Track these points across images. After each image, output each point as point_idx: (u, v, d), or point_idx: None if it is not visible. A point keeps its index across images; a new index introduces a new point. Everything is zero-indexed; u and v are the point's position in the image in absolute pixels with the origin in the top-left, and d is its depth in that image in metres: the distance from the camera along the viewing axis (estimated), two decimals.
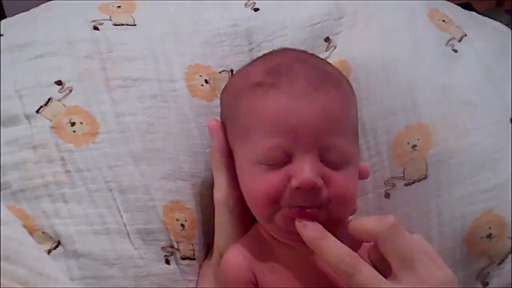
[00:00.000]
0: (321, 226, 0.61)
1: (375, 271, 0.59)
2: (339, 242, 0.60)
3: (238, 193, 0.68)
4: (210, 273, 0.72)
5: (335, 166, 0.63)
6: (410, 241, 0.60)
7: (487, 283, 0.77)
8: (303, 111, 0.62)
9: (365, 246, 0.64)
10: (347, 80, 0.71)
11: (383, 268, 0.60)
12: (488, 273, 0.77)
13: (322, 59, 0.73)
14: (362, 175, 0.71)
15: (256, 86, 0.65)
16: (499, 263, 0.77)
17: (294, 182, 0.61)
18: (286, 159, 0.62)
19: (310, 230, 0.61)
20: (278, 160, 0.62)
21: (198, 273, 0.73)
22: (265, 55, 0.73)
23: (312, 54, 0.73)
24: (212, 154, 0.70)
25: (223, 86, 0.74)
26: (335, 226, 0.63)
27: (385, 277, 0.59)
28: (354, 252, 0.59)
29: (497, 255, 0.77)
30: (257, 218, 0.67)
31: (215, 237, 0.71)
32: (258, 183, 0.63)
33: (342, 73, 0.71)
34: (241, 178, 0.67)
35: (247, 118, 0.65)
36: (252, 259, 0.66)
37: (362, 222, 0.62)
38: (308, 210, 0.61)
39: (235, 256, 0.66)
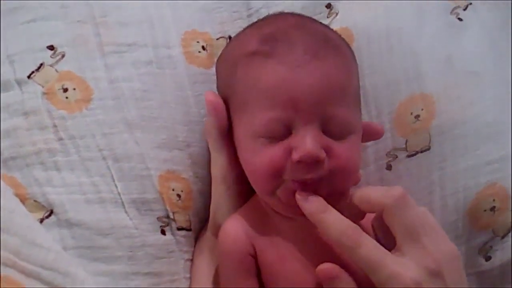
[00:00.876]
0: (322, 200, 0.60)
1: (378, 244, 0.58)
2: (341, 215, 0.59)
3: (236, 170, 0.66)
4: (206, 247, 0.70)
5: (337, 136, 0.61)
6: (416, 213, 0.59)
7: (490, 257, 0.75)
8: (302, 81, 0.60)
9: (368, 216, 0.62)
10: (349, 46, 0.68)
11: (387, 240, 0.59)
12: (491, 247, 0.75)
13: (321, 23, 0.70)
14: (376, 135, 0.69)
15: (252, 55, 0.63)
16: (502, 237, 0.75)
17: (295, 155, 0.59)
18: (287, 131, 0.60)
19: (311, 204, 0.59)
20: (278, 133, 0.60)
21: (195, 245, 0.72)
22: (261, 20, 0.70)
23: (311, 18, 0.70)
24: (209, 131, 0.67)
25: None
26: (338, 198, 0.61)
27: (389, 249, 0.58)
28: (356, 225, 0.58)
29: (501, 229, 0.75)
30: (258, 192, 0.65)
31: (212, 212, 0.70)
32: (259, 158, 0.61)
33: (343, 38, 0.68)
34: (241, 153, 0.65)
35: (245, 90, 0.63)
36: (251, 230, 0.64)
37: (368, 192, 0.60)
38: (309, 183, 0.59)
39: (234, 227, 0.65)
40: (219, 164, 0.67)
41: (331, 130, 0.61)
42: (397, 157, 0.74)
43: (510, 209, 0.75)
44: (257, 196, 0.67)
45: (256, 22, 0.70)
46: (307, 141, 0.59)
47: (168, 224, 0.69)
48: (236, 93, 0.64)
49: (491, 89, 0.77)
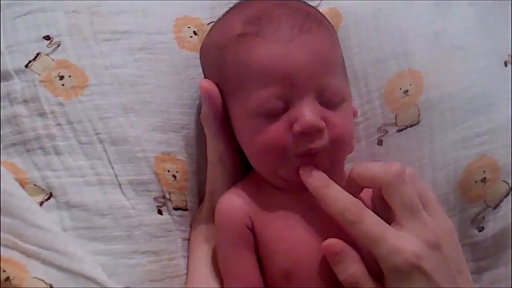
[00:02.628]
0: (325, 175, 0.60)
1: (379, 218, 0.59)
2: (343, 190, 0.60)
3: (232, 153, 0.66)
4: (202, 226, 0.70)
5: (332, 106, 0.62)
6: (415, 189, 0.59)
7: (483, 228, 0.75)
8: (293, 55, 0.60)
9: (366, 190, 0.63)
10: (326, 19, 0.69)
11: (386, 214, 0.60)
12: (483, 217, 0.75)
13: (299, 0, 0.70)
14: None
15: (240, 37, 0.63)
16: (494, 208, 0.75)
17: (297, 127, 0.59)
18: (284, 106, 0.61)
19: (315, 179, 0.60)
20: (276, 109, 0.61)
21: (191, 225, 0.72)
22: (239, 4, 0.70)
23: None
24: (205, 117, 0.67)
25: None
26: (336, 167, 0.62)
27: (389, 223, 0.59)
28: (358, 200, 0.59)
29: (492, 200, 0.75)
30: (260, 171, 0.65)
31: (208, 194, 0.70)
32: (261, 136, 0.61)
33: (320, 12, 0.69)
34: (240, 134, 0.65)
35: (237, 71, 0.63)
36: (249, 204, 0.64)
37: (367, 169, 0.61)
38: (313, 153, 0.60)
39: (230, 200, 0.65)
40: (216, 148, 0.67)
41: (326, 100, 0.61)
42: (387, 132, 0.74)
43: (500, 179, 0.74)
44: (253, 172, 0.67)
45: (234, 6, 0.70)
46: (306, 113, 0.59)
47: (164, 204, 0.69)
48: (228, 76, 0.64)
49: (478, 63, 0.76)
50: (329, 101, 0.62)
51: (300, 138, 0.59)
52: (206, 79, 0.67)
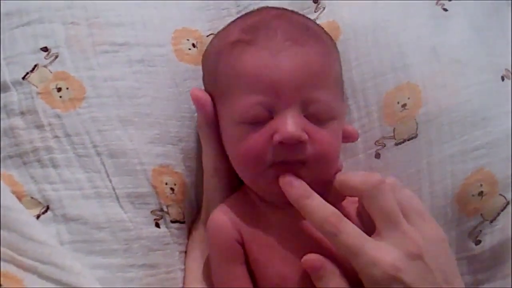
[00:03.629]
0: (306, 185, 0.60)
1: (359, 230, 0.58)
2: (323, 201, 0.59)
3: (227, 162, 0.65)
4: (198, 241, 0.70)
5: (318, 121, 0.61)
6: (398, 198, 0.59)
7: (480, 241, 0.74)
8: (281, 65, 0.60)
9: (353, 199, 0.62)
10: (329, 35, 0.68)
11: (371, 223, 0.59)
12: (481, 231, 0.74)
13: (302, 15, 0.70)
14: (351, 138, 0.69)
15: (233, 44, 0.63)
16: (491, 221, 0.74)
17: (277, 137, 0.58)
18: (268, 116, 0.60)
19: (295, 189, 0.59)
20: (259, 118, 0.60)
21: (188, 237, 0.71)
22: (245, 14, 0.70)
23: (293, 11, 0.69)
24: (199, 126, 0.67)
25: None
26: (319, 183, 0.61)
27: (372, 232, 0.58)
28: (338, 212, 0.58)
29: (489, 213, 0.74)
30: (243, 179, 0.64)
31: (204, 204, 0.69)
32: (243, 144, 0.60)
33: (323, 28, 0.68)
34: (225, 141, 0.64)
35: (226, 77, 0.63)
36: (238, 219, 0.64)
37: (347, 178, 0.61)
38: (291, 164, 0.59)
39: (220, 215, 0.64)
40: (210, 157, 0.67)
41: (313, 114, 0.60)
42: (385, 145, 0.74)
43: (498, 193, 0.74)
44: (245, 186, 0.66)
45: (239, 16, 0.70)
46: (288, 123, 0.58)
47: (162, 217, 0.68)
48: (218, 83, 0.64)
49: (476, 77, 0.75)
50: (316, 115, 0.61)
51: (279, 148, 0.59)
52: (198, 88, 0.67)
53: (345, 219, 0.58)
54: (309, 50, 0.61)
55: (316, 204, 0.58)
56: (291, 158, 0.59)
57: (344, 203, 0.63)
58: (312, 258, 0.58)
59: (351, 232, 0.57)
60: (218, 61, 0.64)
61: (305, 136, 0.59)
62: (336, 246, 0.58)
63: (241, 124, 0.61)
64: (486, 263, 0.75)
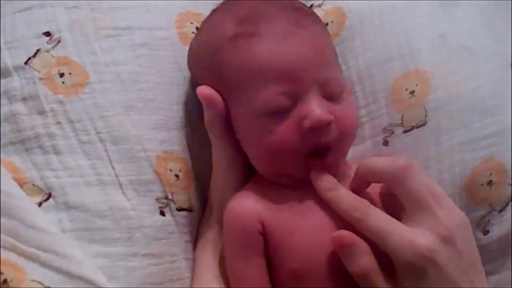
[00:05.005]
0: (333, 178, 0.60)
1: (387, 214, 0.57)
2: (350, 192, 0.59)
3: (241, 156, 0.64)
4: (212, 237, 0.67)
5: (334, 98, 0.61)
6: (424, 182, 0.58)
7: (488, 231, 0.72)
8: (293, 51, 0.59)
9: (373, 187, 0.61)
10: (315, 13, 0.68)
11: (396, 211, 0.58)
12: (489, 221, 0.72)
13: None
14: None
15: (235, 39, 0.61)
16: (500, 211, 0.72)
17: (307, 123, 0.58)
18: (290, 103, 0.59)
19: (324, 182, 0.59)
20: (283, 107, 0.59)
21: (198, 227, 0.69)
22: (223, 4, 0.67)
23: None
24: (211, 123, 0.64)
25: None
26: (342, 160, 0.62)
27: (398, 219, 0.57)
28: (365, 200, 0.58)
29: (498, 203, 0.71)
30: (267, 172, 0.63)
31: (215, 200, 0.67)
32: (270, 137, 0.59)
33: (305, 4, 0.68)
34: (244, 136, 0.62)
35: (237, 73, 0.61)
36: (259, 206, 0.61)
37: (374, 163, 0.60)
38: (323, 147, 0.60)
39: (241, 204, 0.62)
40: (225, 151, 0.65)
41: (329, 93, 0.60)
42: (393, 132, 0.71)
43: (507, 182, 0.71)
44: (257, 175, 0.64)
45: (218, 8, 0.67)
46: (314, 107, 0.58)
47: (167, 205, 0.66)
48: (227, 80, 0.61)
49: (486, 64, 0.73)
50: (332, 94, 0.60)
51: (309, 134, 0.58)
52: (205, 86, 0.63)
53: (372, 205, 0.58)
54: (312, 31, 0.61)
55: (344, 194, 0.59)
56: (323, 141, 0.59)
57: (368, 191, 0.62)
58: (343, 234, 0.57)
59: (381, 216, 0.57)
60: (220, 58, 0.62)
61: (331, 117, 0.59)
62: (365, 230, 0.57)
63: (263, 117, 0.59)
64: (493, 253, 0.73)
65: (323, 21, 0.69)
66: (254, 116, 0.60)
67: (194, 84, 0.68)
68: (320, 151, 0.60)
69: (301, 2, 0.67)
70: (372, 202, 0.59)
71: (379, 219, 0.56)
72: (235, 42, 0.60)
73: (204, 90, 0.63)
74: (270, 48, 0.59)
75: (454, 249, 0.56)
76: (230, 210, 0.62)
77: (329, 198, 0.59)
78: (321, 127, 0.58)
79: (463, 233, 0.58)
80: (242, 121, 0.61)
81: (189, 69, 0.69)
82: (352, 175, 0.62)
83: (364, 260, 0.56)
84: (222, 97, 0.62)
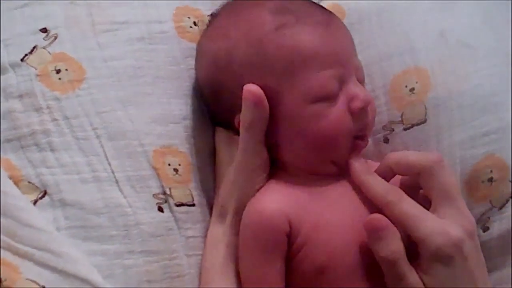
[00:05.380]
0: (367, 165, 0.62)
1: (418, 204, 0.58)
2: (382, 179, 0.60)
3: (269, 157, 0.63)
4: (224, 244, 0.65)
5: (361, 84, 0.64)
6: (451, 177, 0.60)
7: (488, 228, 0.72)
8: (337, 37, 0.62)
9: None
10: None
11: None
12: (489, 218, 0.71)
13: None
14: None
15: (279, 29, 0.61)
16: (500, 208, 0.71)
17: (358, 104, 0.60)
18: (339, 87, 0.61)
19: (361, 165, 0.61)
20: (334, 91, 0.60)
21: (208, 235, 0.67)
22: (240, 4, 0.66)
23: None
24: (253, 125, 0.61)
25: None
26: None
27: None
28: (397, 187, 0.60)
29: (498, 200, 0.71)
30: (312, 162, 0.62)
31: (236, 202, 0.64)
32: (325, 120, 0.60)
33: None
34: (294, 124, 0.61)
35: (287, 61, 0.60)
36: (285, 204, 0.60)
37: (405, 155, 0.61)
38: (364, 140, 0.64)
39: (269, 205, 0.60)
40: (261, 154, 0.63)
41: (359, 78, 0.63)
42: (393, 130, 0.71)
43: (508, 179, 0.71)
44: (278, 172, 0.63)
45: (243, 6, 0.66)
46: (359, 90, 0.61)
47: (166, 201, 0.65)
48: (273, 70, 0.61)
49: (486, 61, 0.73)
50: (361, 79, 0.63)
51: (358, 115, 0.61)
52: (252, 84, 0.61)
53: (405, 193, 0.59)
54: (340, 21, 0.65)
55: (378, 179, 0.60)
56: (368, 121, 0.62)
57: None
58: (376, 217, 0.57)
59: (413, 203, 0.58)
60: (264, 50, 0.61)
61: (372, 98, 0.63)
62: (398, 214, 0.57)
63: (315, 102, 0.60)
64: (493, 250, 0.72)
65: None
66: (306, 101, 0.60)
67: (214, 90, 0.67)
68: (363, 132, 0.63)
69: None
70: None
71: (412, 205, 0.57)
72: (280, 32, 0.61)
73: (252, 88, 0.60)
74: (317, 35, 0.61)
75: (476, 244, 0.58)
76: (255, 210, 0.60)
77: (364, 181, 0.60)
78: (366, 108, 0.61)
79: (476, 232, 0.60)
80: (291, 110, 0.60)
81: (206, 76, 0.67)
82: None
83: (394, 245, 0.56)
84: (267, 91, 0.61)
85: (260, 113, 0.61)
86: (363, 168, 0.61)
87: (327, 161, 0.62)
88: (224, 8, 0.69)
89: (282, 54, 0.60)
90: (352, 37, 0.68)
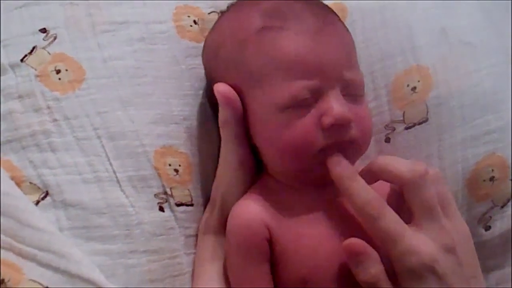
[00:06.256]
0: (353, 167, 0.59)
1: (399, 217, 0.57)
2: (367, 185, 0.58)
3: (251, 157, 0.64)
4: (212, 238, 0.67)
5: (354, 99, 0.61)
6: (437, 191, 0.58)
7: (490, 227, 0.73)
8: (322, 47, 0.59)
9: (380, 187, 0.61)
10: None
11: (402, 214, 0.58)
12: (491, 217, 0.72)
13: None
14: None
15: (263, 31, 0.61)
16: (502, 207, 0.72)
17: (327, 120, 0.57)
18: (313, 99, 0.59)
19: (343, 169, 0.58)
20: (305, 102, 0.59)
21: (196, 221, 0.69)
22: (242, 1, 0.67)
23: None
24: (226, 123, 0.63)
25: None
26: (355, 160, 0.62)
27: (404, 220, 0.57)
28: (380, 197, 0.58)
29: (500, 199, 0.72)
30: (283, 169, 0.62)
31: (220, 200, 0.66)
32: (290, 131, 0.59)
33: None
34: (261, 131, 0.61)
35: (262, 65, 0.60)
36: (265, 211, 0.61)
37: (390, 163, 0.59)
38: (342, 146, 0.59)
39: (247, 210, 0.61)
40: (237, 151, 0.64)
41: (351, 94, 0.60)
42: (395, 129, 0.72)
43: (509, 178, 0.72)
44: (265, 176, 0.64)
45: (240, 3, 0.67)
46: (336, 105, 0.58)
47: (166, 201, 0.66)
48: (249, 72, 0.61)
49: (488, 60, 0.74)
50: (354, 95, 0.60)
51: (329, 130, 0.58)
52: (222, 83, 0.63)
53: (387, 205, 0.57)
54: (339, 28, 0.62)
55: (361, 187, 0.57)
56: (342, 139, 0.58)
57: (375, 187, 0.61)
58: (355, 242, 0.57)
59: (393, 218, 0.56)
60: (245, 50, 0.61)
61: (352, 116, 0.58)
62: (375, 230, 0.57)
63: (284, 111, 0.59)
64: (495, 249, 0.73)
65: None
66: (275, 109, 0.59)
67: (209, 80, 0.69)
68: (338, 148, 0.59)
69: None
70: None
71: (390, 221, 0.56)
72: (262, 35, 0.60)
73: (221, 88, 0.62)
74: (298, 42, 0.59)
75: (456, 259, 0.57)
76: (236, 216, 0.62)
77: (346, 188, 0.58)
78: (340, 125, 0.58)
79: (466, 244, 0.59)
80: (260, 115, 0.61)
81: (204, 66, 0.69)
82: None
83: (374, 269, 0.56)
84: (241, 94, 0.62)
85: (231, 112, 0.62)
86: (346, 173, 0.58)
87: (297, 172, 0.61)
88: (233, 3, 0.69)
89: (259, 57, 0.60)
90: (355, 35, 0.68)
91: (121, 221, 0.63)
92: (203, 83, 0.71)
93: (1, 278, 0.55)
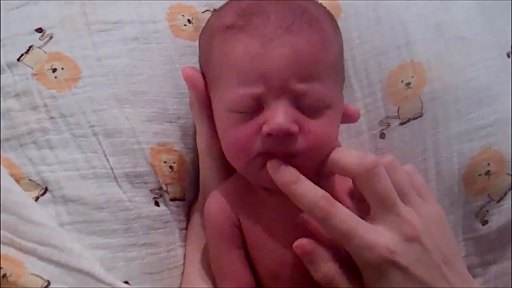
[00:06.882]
0: (294, 170, 0.58)
1: (351, 213, 0.57)
2: (313, 185, 0.58)
3: (219, 142, 0.65)
4: (198, 219, 0.70)
5: (312, 112, 0.59)
6: (392, 180, 0.58)
7: (487, 221, 0.74)
8: (271, 55, 0.58)
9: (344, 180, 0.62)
10: (332, 20, 0.66)
11: (365, 205, 0.59)
12: (487, 211, 0.74)
13: None
14: (351, 119, 0.67)
15: (227, 29, 0.61)
16: (498, 201, 0.74)
17: (265, 129, 0.57)
18: (258, 106, 0.59)
19: (283, 175, 0.58)
20: (250, 109, 0.59)
21: (188, 214, 0.72)
22: None
23: None
24: (192, 104, 0.67)
25: None
26: (312, 172, 0.60)
27: (366, 212, 0.58)
28: (328, 195, 0.57)
29: (496, 193, 0.74)
30: (234, 166, 0.64)
31: (201, 184, 0.70)
32: (232, 133, 0.60)
33: (327, 12, 0.66)
34: (217, 125, 0.64)
35: (219, 64, 0.62)
36: (235, 202, 0.64)
37: (340, 158, 0.59)
38: (280, 157, 0.58)
39: (218, 199, 0.64)
40: (203, 135, 0.67)
41: (305, 105, 0.59)
42: (390, 125, 0.73)
43: (506, 172, 0.73)
44: None
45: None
46: (277, 114, 0.57)
47: (161, 196, 0.68)
48: (211, 68, 0.64)
49: (482, 54, 0.75)
50: (309, 106, 0.59)
51: (267, 140, 0.58)
52: (190, 66, 0.66)
53: (337, 202, 0.57)
54: (302, 39, 0.59)
55: (305, 189, 0.57)
56: (280, 150, 0.58)
57: (336, 179, 0.62)
58: (303, 242, 0.58)
59: (344, 216, 0.57)
60: (212, 45, 0.63)
61: (295, 128, 0.57)
62: (328, 230, 0.58)
63: (231, 113, 0.60)
64: (493, 243, 0.75)
65: None
66: (223, 110, 0.61)
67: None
68: (283, 157, 0.58)
69: (320, 7, 0.66)
70: (339, 194, 0.60)
71: (342, 219, 0.56)
72: (226, 33, 0.61)
73: (186, 71, 0.65)
74: (249, 48, 0.59)
75: (420, 247, 0.57)
76: (208, 205, 0.65)
77: (290, 192, 0.58)
78: (279, 135, 0.57)
79: (433, 229, 0.59)
80: (216, 113, 0.64)
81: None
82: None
83: (326, 267, 0.58)
84: (207, 83, 0.64)
85: (196, 94, 0.65)
86: (288, 178, 0.58)
87: (244, 171, 0.62)
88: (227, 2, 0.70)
89: (217, 56, 0.62)
90: (349, 32, 0.71)
91: (121, 215, 0.65)
92: None
93: (3, 273, 0.57)
